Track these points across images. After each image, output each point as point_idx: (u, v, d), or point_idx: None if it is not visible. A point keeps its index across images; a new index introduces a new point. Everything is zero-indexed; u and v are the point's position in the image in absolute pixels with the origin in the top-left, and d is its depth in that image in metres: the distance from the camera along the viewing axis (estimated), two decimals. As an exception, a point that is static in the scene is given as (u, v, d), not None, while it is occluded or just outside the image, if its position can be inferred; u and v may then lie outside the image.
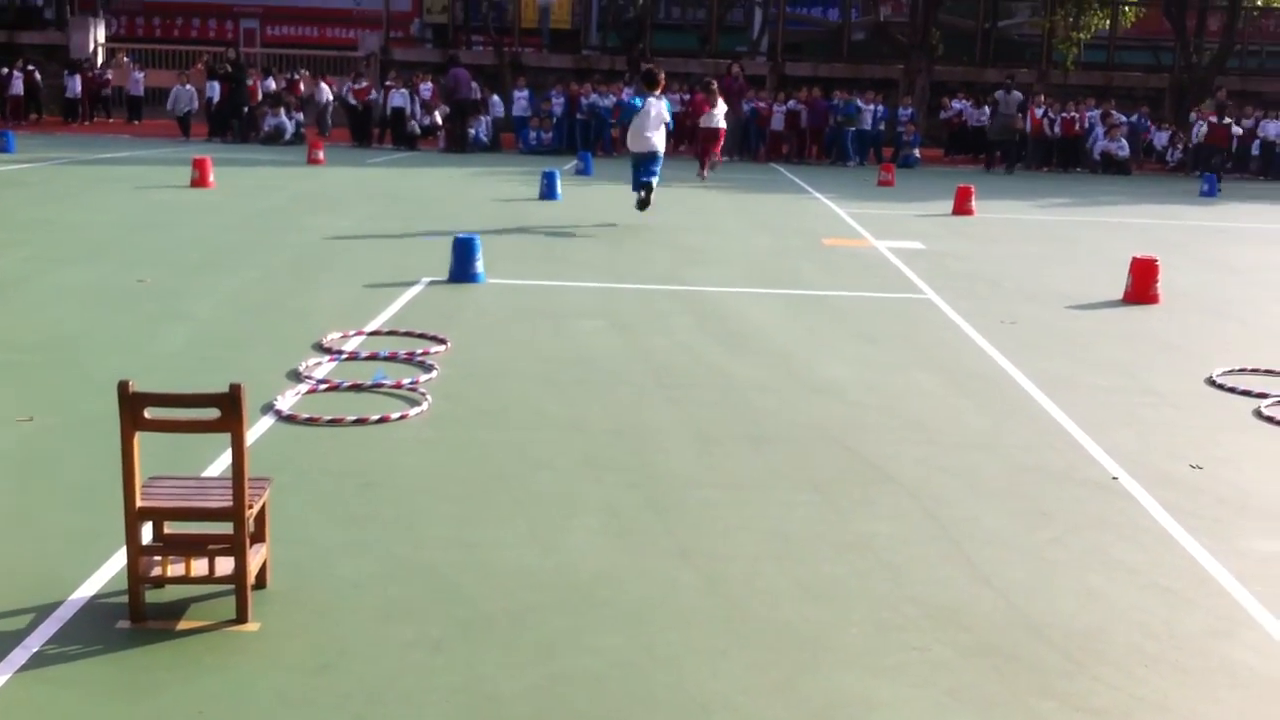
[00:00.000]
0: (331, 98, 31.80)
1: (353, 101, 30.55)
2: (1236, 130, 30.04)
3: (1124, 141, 30.18)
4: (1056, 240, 16.95)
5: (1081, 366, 9.24)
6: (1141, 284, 12.06)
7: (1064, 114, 30.79)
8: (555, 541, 5.50)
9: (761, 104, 30.46)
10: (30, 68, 33.51)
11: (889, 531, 5.76)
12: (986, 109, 30.77)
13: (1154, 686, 4.40)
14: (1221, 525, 6.02)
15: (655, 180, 16.03)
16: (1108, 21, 36.24)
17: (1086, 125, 30.88)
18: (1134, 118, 31.97)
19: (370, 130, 30.56)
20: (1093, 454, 7.03)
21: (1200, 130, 29.83)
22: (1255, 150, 30.72)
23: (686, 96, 30.56)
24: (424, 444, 6.78)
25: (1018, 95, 29.86)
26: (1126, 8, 36.88)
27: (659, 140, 15.84)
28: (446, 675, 4.28)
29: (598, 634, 4.63)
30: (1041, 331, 10.47)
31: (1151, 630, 4.83)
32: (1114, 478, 6.62)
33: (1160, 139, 32.76)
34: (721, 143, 22.15)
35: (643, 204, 16.10)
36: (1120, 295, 12.17)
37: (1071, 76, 35.87)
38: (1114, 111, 31.03)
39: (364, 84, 31.07)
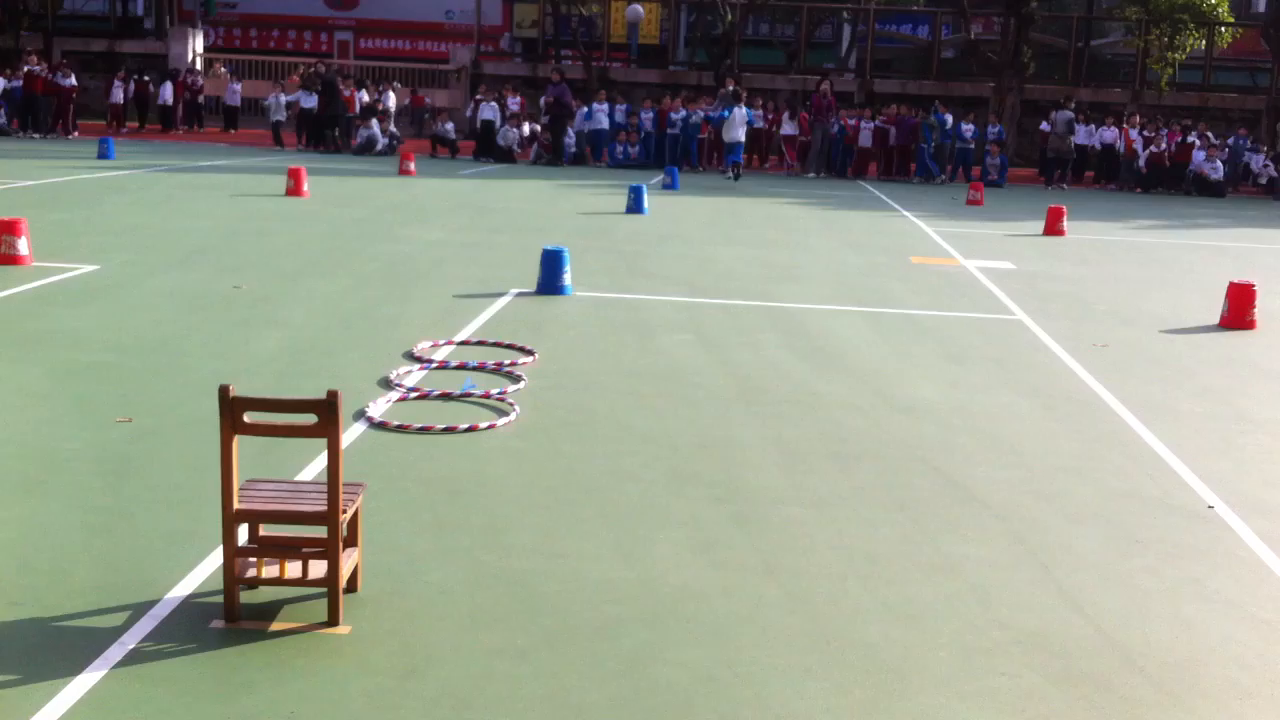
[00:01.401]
0: (394, 107, 32.53)
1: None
2: None
3: (1219, 163, 29.67)
4: (1150, 263, 16.68)
5: (1176, 392, 9.08)
6: (1238, 309, 11.83)
7: (1159, 134, 30.48)
8: (640, 554, 5.51)
9: (850, 121, 30.43)
10: (146, 78, 34.27)
11: (977, 554, 5.70)
12: (1046, 125, 31.38)
13: (1250, 720, 4.31)
14: (1321, 558, 5.88)
15: (740, 161, 27.53)
16: (1203, 42, 35.62)
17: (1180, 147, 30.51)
18: (1232, 140, 31.43)
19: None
20: (1188, 481, 6.91)
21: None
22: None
23: (769, 115, 31.22)
24: (512, 454, 6.84)
25: (1066, 114, 30.36)
26: (1223, 28, 36.21)
27: (742, 134, 27.54)
28: (532, 684, 4.31)
29: (682, 648, 4.63)
30: (1135, 355, 10.31)
31: (1246, 663, 4.74)
32: (1209, 506, 6.50)
33: (1257, 161, 32.15)
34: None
35: (735, 178, 26.80)
36: (1216, 320, 11.96)
37: (1166, 97, 35.30)
38: (1209, 134, 30.60)
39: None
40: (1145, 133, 30.47)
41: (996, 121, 31.59)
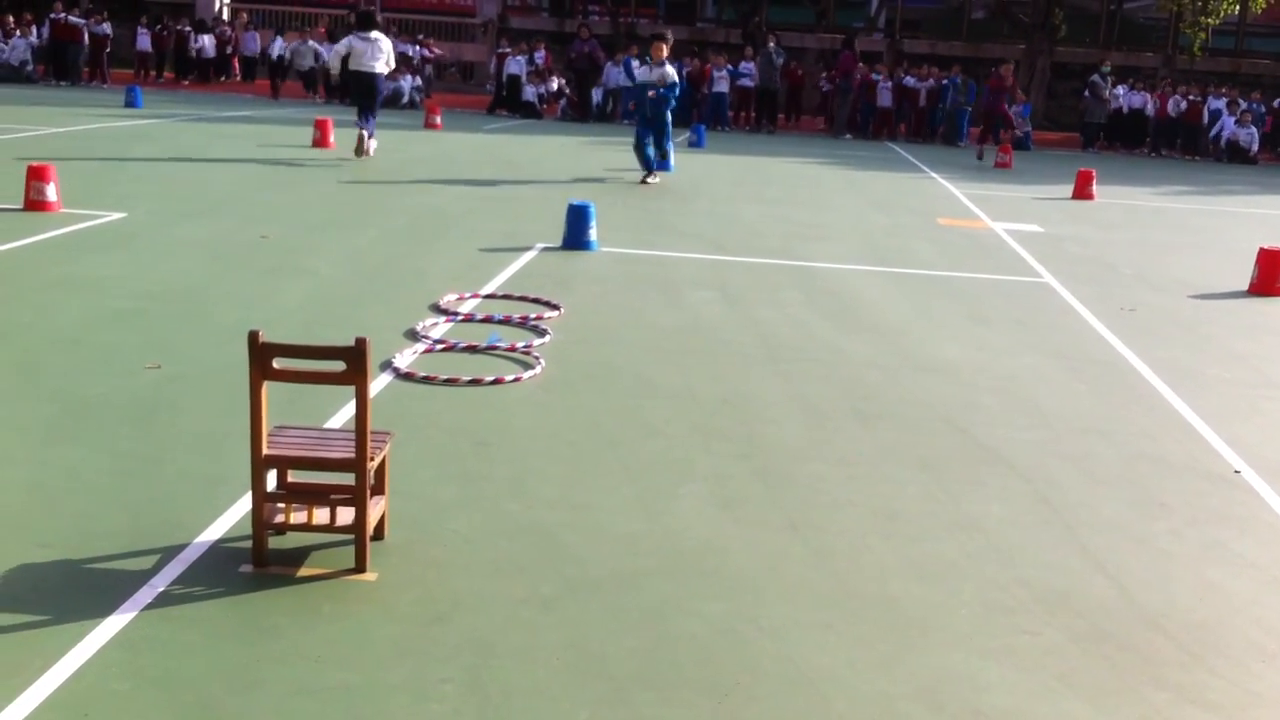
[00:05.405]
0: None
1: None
2: None
3: (1253, 129, 29.40)
4: (1179, 228, 16.56)
5: (1204, 357, 9.04)
6: (1268, 275, 11.74)
7: (1187, 99, 30.37)
8: (663, 508, 5.53)
9: (878, 78, 30.34)
10: (186, 29, 33.82)
11: (1000, 514, 5.70)
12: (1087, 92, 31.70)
13: (1270, 682, 4.31)
14: (1346, 524, 5.87)
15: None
16: (1238, 7, 35.15)
17: (1208, 112, 30.47)
18: (1249, 105, 31.13)
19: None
20: (1214, 446, 6.88)
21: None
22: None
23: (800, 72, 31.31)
24: (536, 406, 6.86)
25: (1094, 79, 30.83)
26: (1259, -7, 35.74)
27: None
28: (555, 632, 4.34)
29: (704, 601, 4.65)
30: (1163, 320, 10.26)
31: (1270, 626, 4.73)
32: (1236, 471, 6.48)
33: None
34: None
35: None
36: (1245, 286, 11.87)
37: (1198, 62, 34.91)
38: (1241, 100, 30.34)
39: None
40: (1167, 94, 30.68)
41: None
